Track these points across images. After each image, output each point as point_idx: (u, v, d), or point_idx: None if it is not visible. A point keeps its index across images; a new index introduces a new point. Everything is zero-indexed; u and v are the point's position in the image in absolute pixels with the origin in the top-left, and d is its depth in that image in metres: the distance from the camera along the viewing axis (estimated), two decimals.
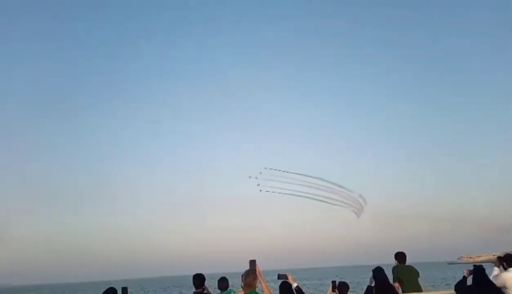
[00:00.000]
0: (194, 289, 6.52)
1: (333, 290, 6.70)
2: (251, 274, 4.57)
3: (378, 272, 6.30)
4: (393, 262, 7.37)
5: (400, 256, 7.24)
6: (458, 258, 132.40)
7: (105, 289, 5.57)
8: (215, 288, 6.49)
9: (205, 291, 6.52)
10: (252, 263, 4.98)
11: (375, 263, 6.77)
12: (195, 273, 6.58)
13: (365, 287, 6.75)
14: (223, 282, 6.33)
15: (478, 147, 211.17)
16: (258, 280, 4.60)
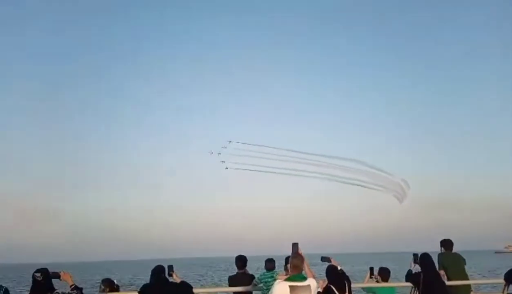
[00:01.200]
0: (237, 270, 6.72)
1: (370, 276, 6.62)
2: (298, 256, 4.46)
3: (425, 259, 6.13)
4: (436, 249, 7.19)
5: (446, 243, 7.03)
6: (505, 247, 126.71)
7: (153, 267, 5.84)
8: (258, 269, 6.64)
9: (246, 272, 6.69)
10: (295, 246, 4.94)
11: (416, 249, 6.62)
12: (237, 255, 6.77)
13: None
14: (270, 263, 6.45)
15: None
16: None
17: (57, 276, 5.01)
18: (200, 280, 38.00)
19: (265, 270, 6.38)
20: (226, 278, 7.09)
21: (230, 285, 6.67)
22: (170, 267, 6.07)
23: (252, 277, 6.49)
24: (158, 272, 5.71)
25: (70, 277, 5.10)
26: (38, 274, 4.92)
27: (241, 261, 6.71)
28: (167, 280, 5.81)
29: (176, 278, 6.06)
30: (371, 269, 6.65)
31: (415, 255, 6.30)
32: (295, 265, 4.31)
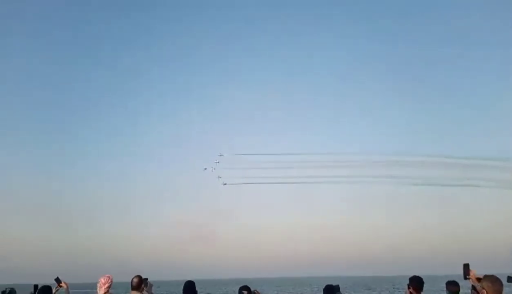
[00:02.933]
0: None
1: None
2: (497, 280, 3.60)
3: None
4: None
5: None
6: None
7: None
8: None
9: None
10: (466, 267, 4.54)
11: None
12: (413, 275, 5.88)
13: None
14: (453, 286, 5.89)
15: None
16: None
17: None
18: None
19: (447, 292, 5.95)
20: None
21: None
22: (337, 287, 6.32)
23: None
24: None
25: None
26: (245, 292, 5.37)
27: (418, 282, 5.73)
28: None
29: None
30: None
31: None
32: (495, 290, 3.54)
